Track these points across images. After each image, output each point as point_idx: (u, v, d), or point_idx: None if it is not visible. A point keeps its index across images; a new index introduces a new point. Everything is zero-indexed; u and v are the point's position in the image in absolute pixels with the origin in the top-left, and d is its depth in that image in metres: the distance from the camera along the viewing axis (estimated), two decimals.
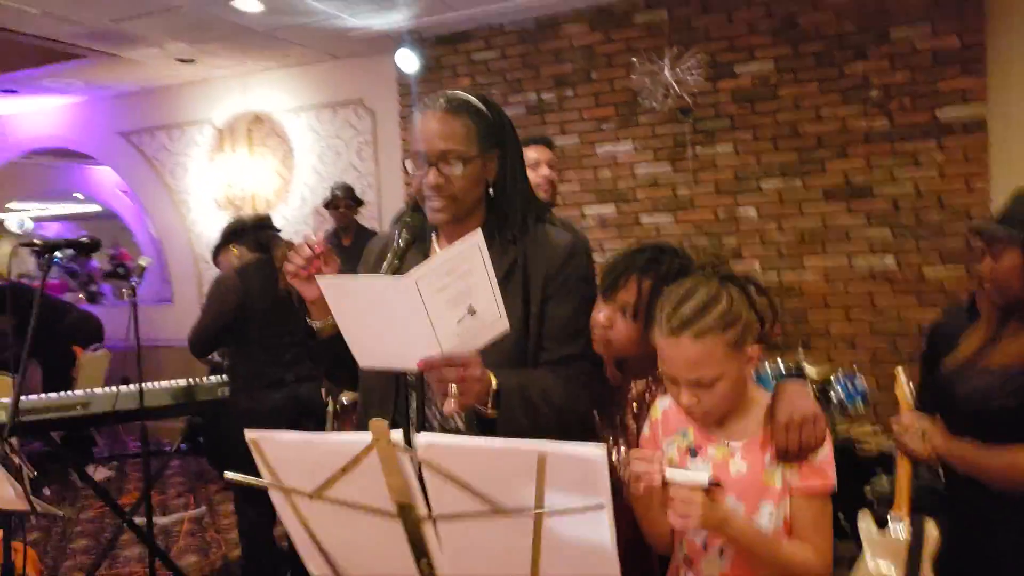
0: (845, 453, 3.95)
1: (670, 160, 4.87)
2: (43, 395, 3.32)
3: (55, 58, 5.44)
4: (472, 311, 1.32)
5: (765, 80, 4.63)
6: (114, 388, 3.28)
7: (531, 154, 3.05)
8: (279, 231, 3.46)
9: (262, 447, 1.07)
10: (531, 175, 3.01)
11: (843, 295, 4.53)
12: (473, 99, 1.58)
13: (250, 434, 1.07)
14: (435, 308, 1.25)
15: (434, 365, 1.30)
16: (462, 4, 4.78)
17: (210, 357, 3.81)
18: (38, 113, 7.07)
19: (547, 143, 3.18)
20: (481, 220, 1.60)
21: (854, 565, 2.86)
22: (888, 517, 2.86)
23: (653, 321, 1.43)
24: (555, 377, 1.52)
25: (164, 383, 3.39)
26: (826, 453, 1.41)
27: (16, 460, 1.57)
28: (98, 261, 13.32)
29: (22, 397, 3.45)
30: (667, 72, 4.50)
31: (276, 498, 1.12)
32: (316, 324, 1.57)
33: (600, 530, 0.95)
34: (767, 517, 1.40)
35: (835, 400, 3.64)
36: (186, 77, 6.16)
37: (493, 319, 1.35)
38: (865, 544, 2.84)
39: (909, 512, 2.89)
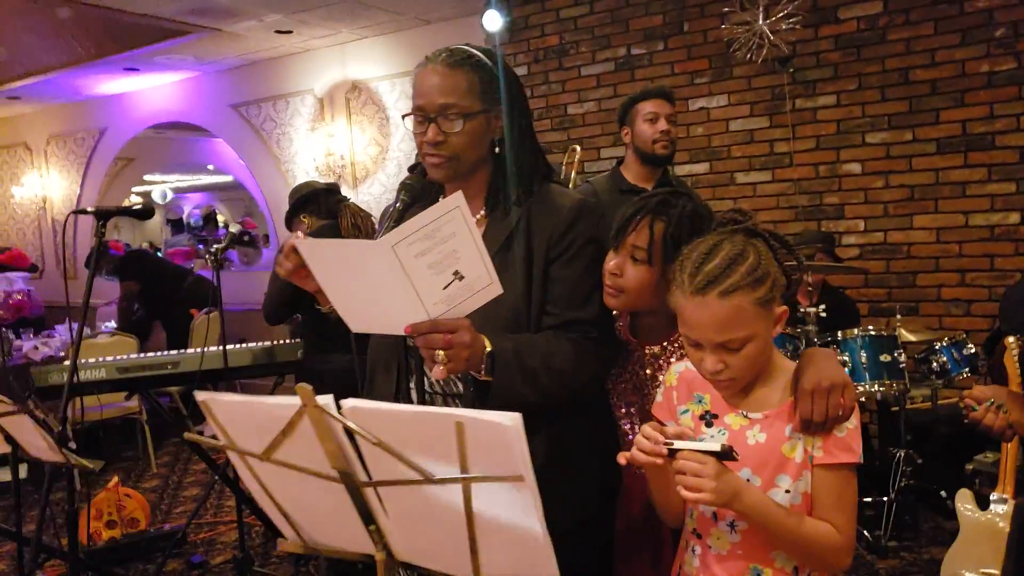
0: (952, 425, 3.66)
1: (767, 114, 4.59)
2: (137, 355, 3.53)
3: (166, 35, 5.72)
4: (460, 276, 1.26)
5: (873, 23, 4.26)
6: (202, 349, 3.44)
7: (648, 107, 2.97)
8: (346, 198, 3.49)
9: (211, 408, 1.06)
10: (648, 129, 2.92)
11: (957, 257, 4.15)
12: (477, 52, 1.51)
13: (199, 395, 1.06)
14: (416, 273, 1.21)
15: (420, 331, 1.26)
16: None
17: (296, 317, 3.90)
18: (158, 89, 7.48)
19: (665, 96, 3.03)
20: (486, 180, 1.54)
21: (951, 546, 2.65)
22: (990, 497, 2.63)
23: (672, 280, 1.32)
24: (557, 342, 1.44)
25: (248, 345, 3.53)
26: (853, 424, 1.29)
27: (41, 416, 1.66)
28: (226, 230, 14.12)
29: (129, 356, 3.69)
30: (761, 20, 4.22)
31: (233, 459, 1.12)
32: (324, 309, 1.53)
33: (525, 503, 0.89)
34: (784, 492, 1.29)
35: (936, 368, 3.36)
36: (287, 49, 6.32)
37: (484, 284, 1.29)
38: (963, 525, 2.62)
39: (1014, 493, 2.64)
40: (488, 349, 1.34)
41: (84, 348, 4.66)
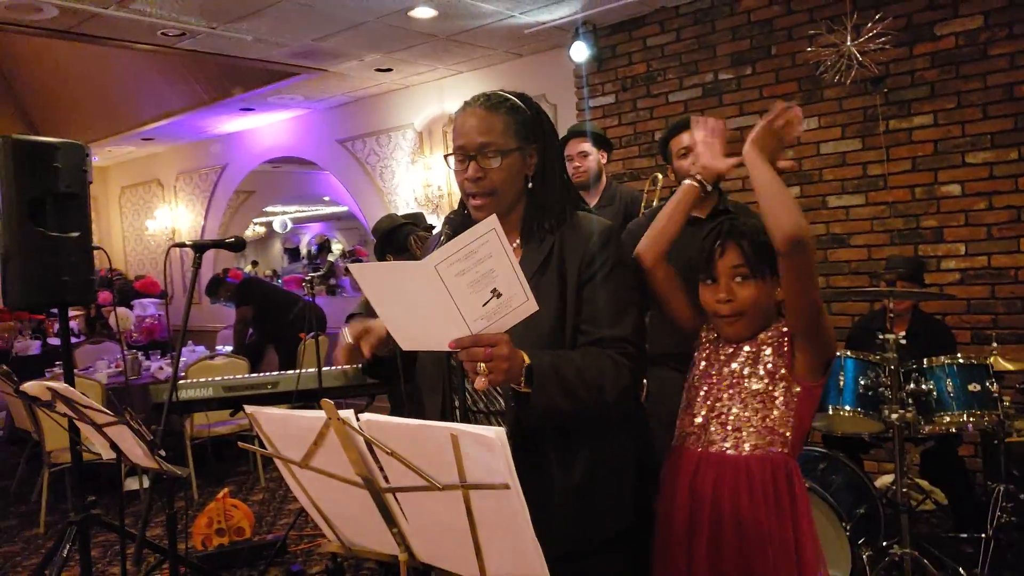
0: None
1: (859, 136, 4.49)
2: (243, 376, 3.80)
3: (275, 77, 6.15)
4: (497, 294, 1.35)
5: (973, 39, 4.12)
6: (298, 371, 3.67)
7: (680, 143, 2.76)
8: (414, 230, 3.40)
9: (259, 420, 1.20)
10: (685, 164, 2.70)
11: None
12: (511, 96, 1.62)
13: (248, 408, 1.20)
14: (458, 292, 1.31)
15: (463, 345, 1.36)
16: None
17: None
18: (271, 127, 8.02)
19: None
20: (520, 213, 1.64)
21: None
22: None
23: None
24: (592, 356, 1.53)
25: (340, 367, 3.72)
26: None
27: (136, 426, 1.86)
28: (342, 260, 14.79)
29: (235, 376, 3.97)
30: (849, 41, 4.15)
31: (280, 466, 1.25)
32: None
33: (512, 509, 0.97)
34: None
35: None
36: (388, 85, 6.66)
37: (520, 302, 1.37)
38: None
39: None
40: (526, 363, 1.43)
41: (200, 369, 5.05)
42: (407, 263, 1.39)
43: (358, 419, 1.06)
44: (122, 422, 1.86)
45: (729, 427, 1.68)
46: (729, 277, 1.64)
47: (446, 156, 1.65)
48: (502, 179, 1.58)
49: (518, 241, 1.64)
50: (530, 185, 1.64)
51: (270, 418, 1.18)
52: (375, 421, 1.05)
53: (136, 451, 1.94)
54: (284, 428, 1.18)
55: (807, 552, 1.63)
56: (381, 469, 1.10)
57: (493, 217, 1.30)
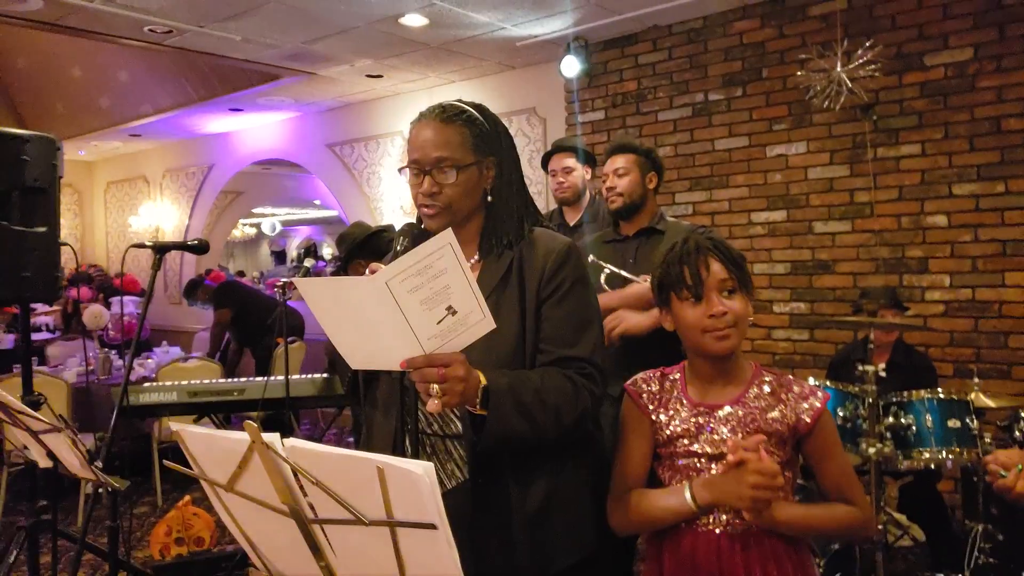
0: None
1: (848, 163, 4.45)
2: (209, 380, 3.71)
3: (265, 79, 6.08)
4: (452, 311, 1.28)
5: (961, 70, 4.09)
6: (266, 378, 3.58)
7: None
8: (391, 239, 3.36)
9: (184, 438, 1.12)
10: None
11: None
12: (468, 107, 1.56)
13: (174, 425, 1.12)
14: (410, 309, 1.24)
15: (415, 365, 1.29)
16: (627, 7, 4.69)
17: None
18: (260, 128, 7.94)
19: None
20: (479, 227, 1.58)
21: None
22: None
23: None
24: (551, 377, 1.47)
25: (309, 376, 3.65)
26: None
27: (71, 436, 1.77)
28: (326, 263, 14.70)
29: (215, 380, 3.87)
30: (839, 67, 4.11)
31: (206, 488, 1.17)
32: None
33: (441, 552, 0.90)
34: None
35: (1020, 437, 3.12)
36: (378, 92, 6.60)
37: (477, 319, 1.30)
38: None
39: None
40: (483, 384, 1.36)
41: (171, 371, 4.95)
42: (356, 278, 1.32)
43: (283, 444, 0.99)
44: (58, 430, 1.78)
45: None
46: (717, 292, 1.52)
47: (400, 169, 1.58)
48: (458, 194, 1.52)
49: (476, 256, 1.58)
50: (489, 199, 1.57)
51: (194, 437, 1.10)
52: (300, 447, 0.98)
53: (72, 460, 1.86)
54: (208, 449, 1.10)
55: None
56: (307, 498, 1.03)
57: (449, 231, 1.23)
